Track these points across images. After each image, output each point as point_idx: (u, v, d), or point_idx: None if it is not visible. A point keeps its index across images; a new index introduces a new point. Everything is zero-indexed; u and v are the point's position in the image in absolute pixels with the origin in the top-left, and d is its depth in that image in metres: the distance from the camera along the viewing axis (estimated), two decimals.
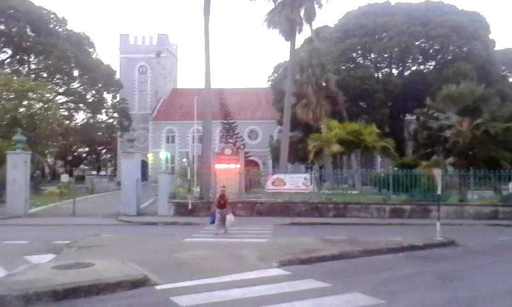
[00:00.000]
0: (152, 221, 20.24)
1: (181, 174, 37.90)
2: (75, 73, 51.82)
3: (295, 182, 22.77)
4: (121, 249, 11.72)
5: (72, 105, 54.30)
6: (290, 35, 29.37)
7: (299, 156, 39.07)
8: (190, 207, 21.63)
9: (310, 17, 30.18)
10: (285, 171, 27.71)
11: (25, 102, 35.05)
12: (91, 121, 57.90)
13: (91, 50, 54.22)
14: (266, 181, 23.65)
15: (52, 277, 7.69)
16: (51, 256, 10.96)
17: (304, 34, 43.46)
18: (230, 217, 15.60)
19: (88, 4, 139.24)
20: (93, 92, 53.61)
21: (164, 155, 56.67)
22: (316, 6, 29.55)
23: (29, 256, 11.17)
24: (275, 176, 23.94)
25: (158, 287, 7.97)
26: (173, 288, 7.92)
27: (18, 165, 22.34)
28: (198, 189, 25.73)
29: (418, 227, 17.57)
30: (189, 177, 28.60)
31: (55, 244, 12.97)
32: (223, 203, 15.92)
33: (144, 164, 45.40)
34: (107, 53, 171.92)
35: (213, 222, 15.75)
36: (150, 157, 57.54)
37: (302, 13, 29.39)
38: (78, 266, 8.57)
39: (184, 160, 49.52)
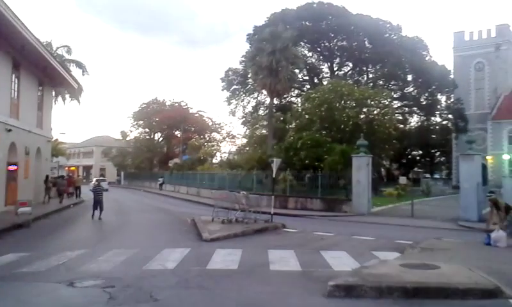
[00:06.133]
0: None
1: None
2: (409, 77, 53.17)
3: None
4: (465, 255, 11.22)
5: (406, 109, 55.90)
6: None
7: None
8: None
9: None
10: None
11: (364, 109, 38.04)
12: (425, 123, 57.97)
13: (424, 52, 54.43)
14: None
15: (401, 275, 8.03)
16: (395, 254, 11.51)
17: None
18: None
19: (421, 6, 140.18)
20: (426, 95, 53.70)
21: (507, 157, 51.37)
22: None
23: (375, 251, 12.05)
24: None
25: None
26: None
27: (362, 167, 24.40)
28: None
29: None
30: None
31: (398, 243, 13.59)
32: None
33: (483, 167, 42.26)
34: (440, 53, 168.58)
35: (488, 243, 12.74)
36: (490, 160, 53.07)
37: None
38: (424, 267, 8.67)
39: None
